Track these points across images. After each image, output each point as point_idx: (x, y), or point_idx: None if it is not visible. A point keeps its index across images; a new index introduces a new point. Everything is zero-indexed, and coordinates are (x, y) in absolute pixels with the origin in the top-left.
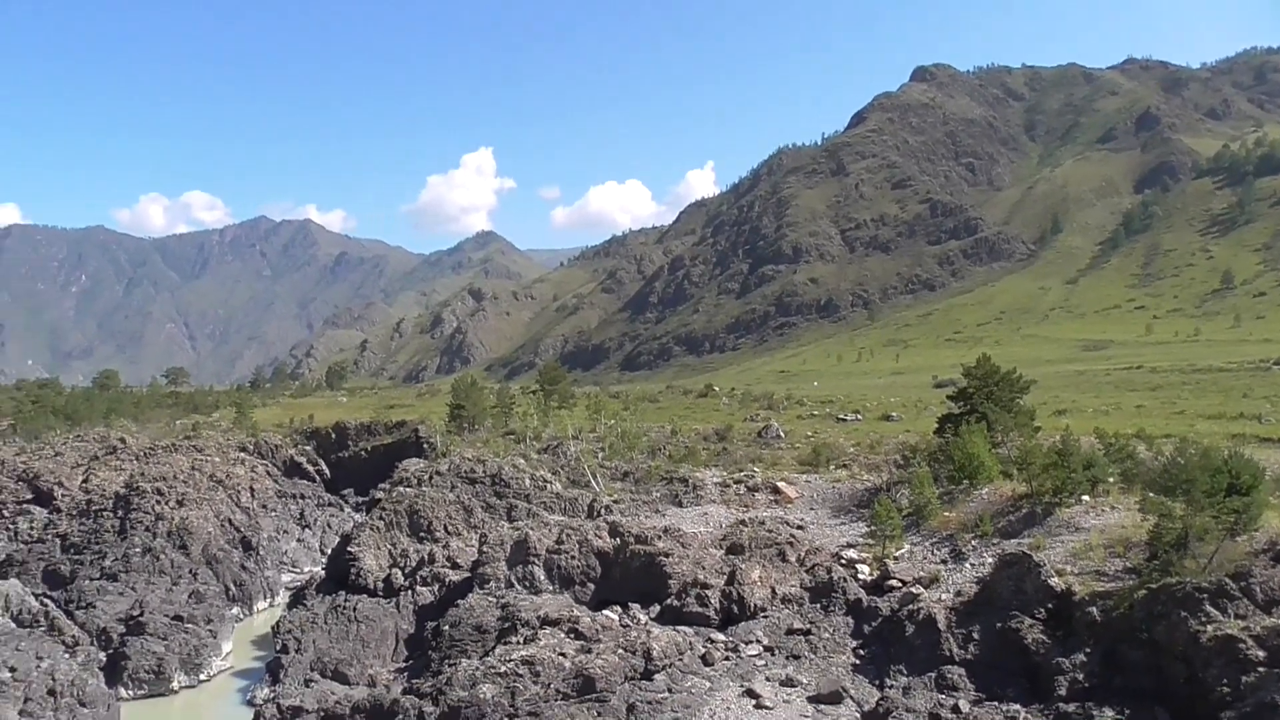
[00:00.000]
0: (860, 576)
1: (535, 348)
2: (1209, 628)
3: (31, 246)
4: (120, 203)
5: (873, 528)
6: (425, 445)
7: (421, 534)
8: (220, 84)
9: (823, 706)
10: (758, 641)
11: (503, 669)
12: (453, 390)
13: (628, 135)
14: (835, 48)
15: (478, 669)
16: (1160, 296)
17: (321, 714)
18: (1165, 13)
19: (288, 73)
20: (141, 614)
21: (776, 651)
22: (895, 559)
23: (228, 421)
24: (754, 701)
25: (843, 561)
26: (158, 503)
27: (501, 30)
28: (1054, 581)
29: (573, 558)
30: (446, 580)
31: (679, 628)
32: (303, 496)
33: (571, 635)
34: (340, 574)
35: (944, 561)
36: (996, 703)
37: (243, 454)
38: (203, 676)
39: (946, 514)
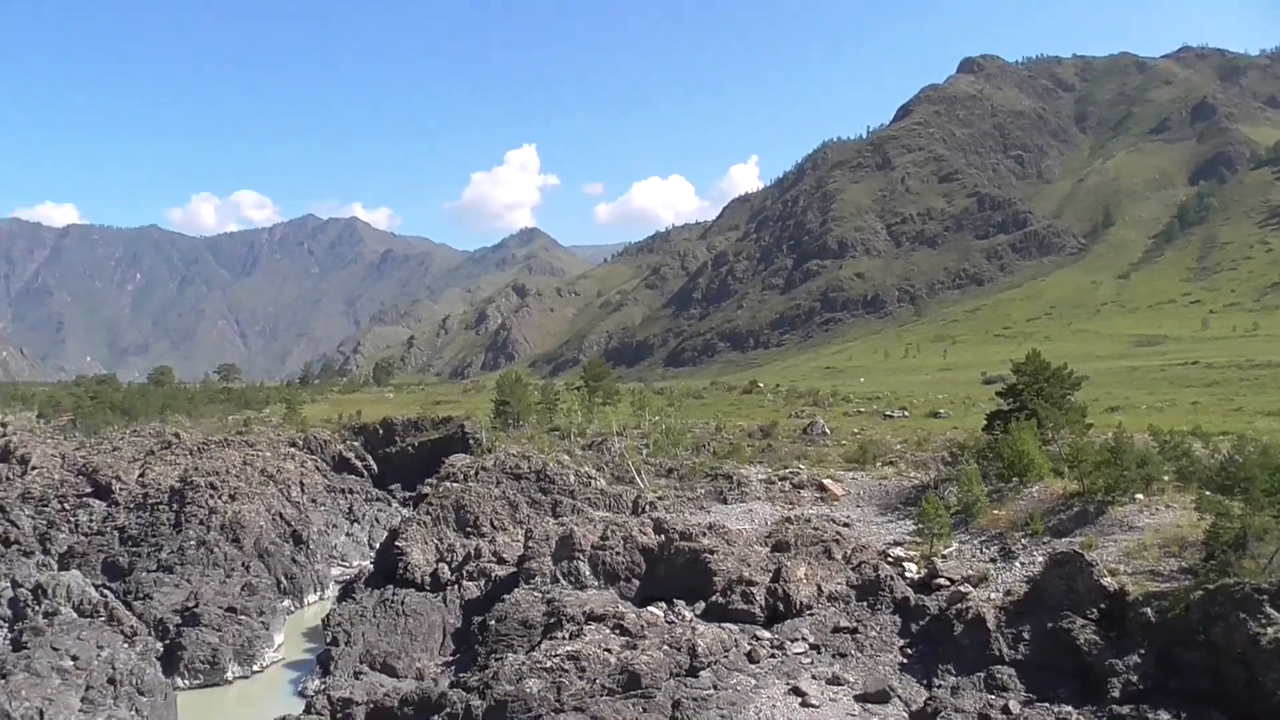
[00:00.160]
0: (907, 575)
1: (579, 344)
2: (1269, 630)
3: (89, 246)
4: (173, 202)
5: (920, 525)
6: (471, 441)
7: (468, 529)
8: (268, 85)
9: (870, 706)
10: (803, 639)
11: (548, 664)
12: (497, 386)
13: (671, 130)
14: (880, 40)
15: (524, 664)
16: (1217, 290)
17: (371, 706)
18: None
19: (333, 73)
20: (196, 605)
21: (822, 649)
22: (943, 557)
23: (278, 417)
24: (800, 700)
25: (890, 559)
26: (211, 497)
27: (545, 27)
28: (1107, 581)
29: (617, 554)
30: (492, 575)
31: (724, 625)
32: (351, 491)
33: (617, 631)
34: (388, 568)
35: (993, 560)
36: (1047, 704)
37: (293, 449)
38: (255, 667)
39: (995, 512)
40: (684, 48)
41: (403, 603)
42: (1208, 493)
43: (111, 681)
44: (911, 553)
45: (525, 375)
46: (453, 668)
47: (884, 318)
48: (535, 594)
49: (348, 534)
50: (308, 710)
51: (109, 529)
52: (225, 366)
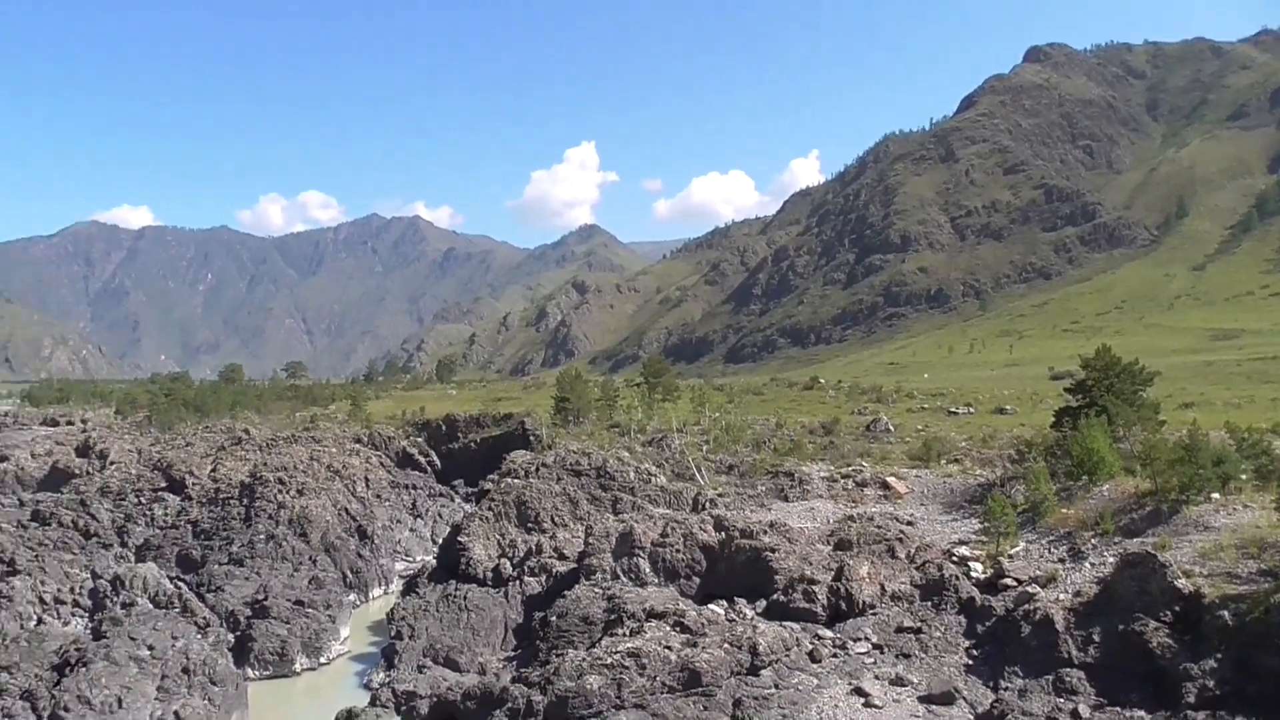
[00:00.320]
0: (973, 574)
1: (639, 340)
2: None
3: (163, 247)
4: (242, 203)
5: (986, 524)
6: (532, 437)
7: (529, 525)
8: (334, 88)
9: (934, 707)
10: (866, 639)
11: (609, 660)
12: (558, 383)
13: (730, 125)
14: (944, 31)
15: (584, 660)
16: None
17: (434, 699)
18: None
19: (396, 75)
20: (266, 598)
21: (886, 649)
22: (1010, 557)
23: (343, 413)
24: (863, 700)
25: (954, 559)
26: (279, 492)
27: (603, 24)
28: (1181, 583)
29: (678, 551)
30: (553, 571)
31: (785, 623)
32: (415, 487)
33: (677, 628)
34: (451, 563)
35: (1061, 560)
36: (1119, 708)
37: (358, 445)
38: (323, 659)
39: (1064, 511)
40: (744, 42)
41: (465, 598)
42: None
43: (186, 671)
44: (977, 552)
45: (585, 372)
46: (514, 663)
47: (948, 312)
48: (596, 590)
49: (411, 529)
50: (373, 703)
51: (182, 523)
52: (292, 364)
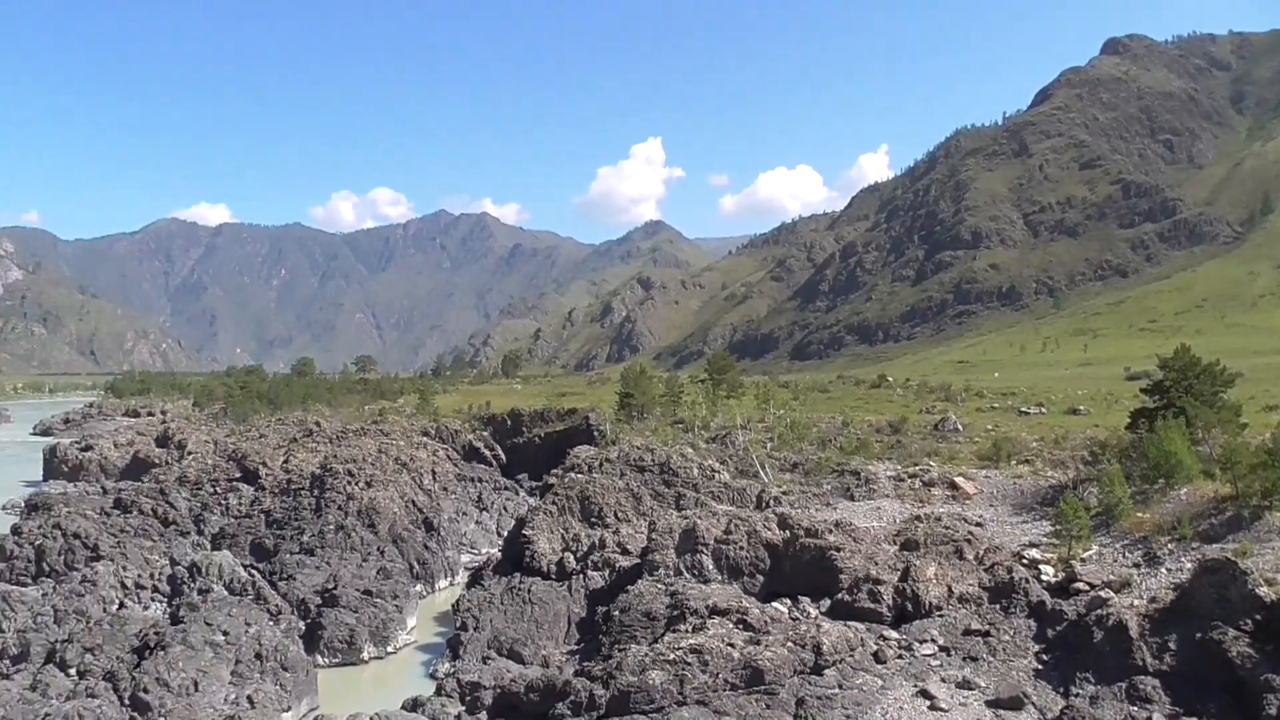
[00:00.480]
0: (1043, 578)
1: (704, 336)
2: None
3: (239, 243)
4: (315, 200)
5: (1057, 527)
6: (596, 433)
7: (592, 519)
8: (404, 87)
9: (1002, 712)
10: (932, 641)
11: (672, 656)
12: (622, 379)
13: (798, 120)
14: (1018, 23)
15: (647, 655)
16: None
17: (498, 691)
18: None
19: (465, 73)
20: (335, 587)
21: (952, 652)
22: (1082, 560)
23: (411, 407)
24: (928, 702)
25: (1024, 561)
26: (349, 483)
27: (669, 19)
28: (1263, 591)
29: (741, 548)
30: (616, 566)
31: (850, 623)
32: (480, 480)
33: (740, 626)
34: (515, 556)
35: (1136, 565)
36: (1194, 719)
37: (425, 438)
38: (390, 649)
39: (1139, 515)
40: (812, 36)
41: (529, 591)
42: None
43: (258, 657)
44: (1048, 555)
45: (649, 368)
46: (577, 656)
47: (1020, 310)
48: (658, 586)
49: (477, 522)
50: (438, 692)
51: (256, 512)
52: (362, 358)
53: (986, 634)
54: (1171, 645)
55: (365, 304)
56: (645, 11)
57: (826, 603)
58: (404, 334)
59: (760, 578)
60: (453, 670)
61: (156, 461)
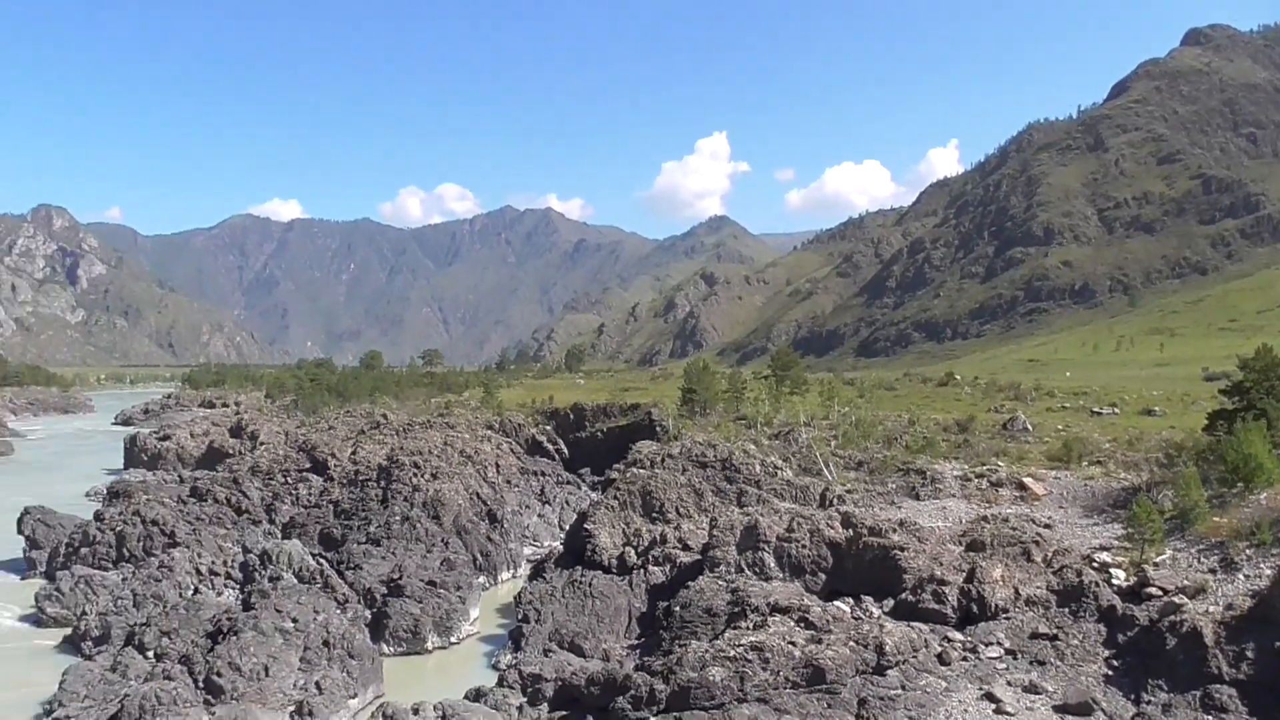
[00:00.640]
0: (1114, 582)
1: (768, 332)
2: None
3: (310, 238)
4: (383, 196)
5: (1130, 530)
6: (658, 428)
7: (654, 514)
8: (470, 84)
9: (1070, 718)
10: (998, 644)
11: (732, 653)
12: (685, 374)
13: (866, 115)
14: (1094, 14)
15: (707, 651)
16: None
17: (559, 683)
18: None
19: (529, 69)
20: (400, 577)
21: (1019, 655)
22: (1155, 565)
23: (476, 400)
24: (994, 706)
25: (1094, 564)
26: (415, 475)
27: (735, 13)
28: None
29: (803, 546)
30: (677, 561)
31: (913, 624)
32: (543, 474)
33: (801, 624)
34: (577, 550)
35: (1212, 571)
36: None
37: (489, 431)
38: (453, 639)
39: (1216, 519)
40: (881, 29)
41: (590, 584)
42: None
43: (326, 644)
44: (1119, 559)
45: (712, 363)
46: (637, 651)
47: (1093, 308)
48: (719, 582)
49: (539, 515)
50: (500, 683)
51: (324, 502)
52: (429, 352)
53: (1054, 638)
54: (1249, 653)
55: (432, 298)
56: (711, 5)
57: (889, 603)
58: (469, 328)
59: (822, 576)
60: (515, 662)
61: (230, 451)
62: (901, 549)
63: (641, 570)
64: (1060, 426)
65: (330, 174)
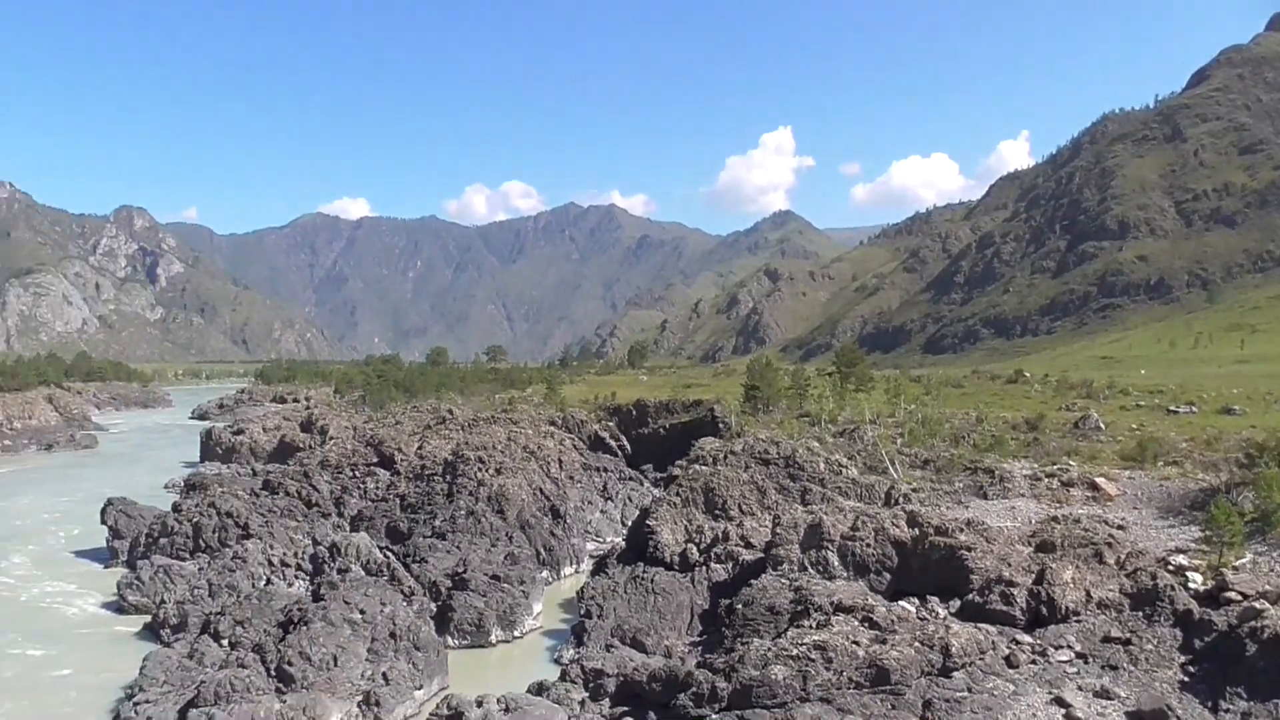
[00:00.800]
0: (1190, 585)
1: (832, 329)
2: None
3: (378, 236)
4: (449, 194)
5: (1208, 532)
6: (720, 425)
7: (716, 512)
8: (534, 81)
9: None
10: (1069, 647)
11: (795, 652)
12: (748, 370)
13: (934, 107)
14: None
15: (770, 650)
16: None
17: (621, 679)
18: None
19: (591, 66)
20: (465, 571)
21: (1090, 660)
22: (1234, 569)
23: (539, 396)
24: (1063, 711)
25: (1170, 568)
26: (479, 470)
27: (799, 6)
28: None
29: (868, 545)
30: (739, 559)
31: (980, 625)
32: (605, 470)
33: (866, 624)
34: (639, 546)
35: None
36: None
37: (552, 427)
38: (516, 633)
39: None
40: (949, 19)
41: (652, 581)
42: None
43: (393, 636)
44: (1196, 562)
45: (776, 360)
46: (699, 648)
47: (1170, 304)
48: (782, 581)
49: (602, 511)
50: (562, 677)
51: (391, 496)
52: (493, 348)
53: (1127, 642)
54: None
55: (496, 295)
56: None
57: (956, 603)
58: (533, 324)
59: (887, 576)
60: (577, 657)
61: (301, 446)
62: (968, 549)
63: (703, 567)
64: (1135, 425)
65: (397, 173)
